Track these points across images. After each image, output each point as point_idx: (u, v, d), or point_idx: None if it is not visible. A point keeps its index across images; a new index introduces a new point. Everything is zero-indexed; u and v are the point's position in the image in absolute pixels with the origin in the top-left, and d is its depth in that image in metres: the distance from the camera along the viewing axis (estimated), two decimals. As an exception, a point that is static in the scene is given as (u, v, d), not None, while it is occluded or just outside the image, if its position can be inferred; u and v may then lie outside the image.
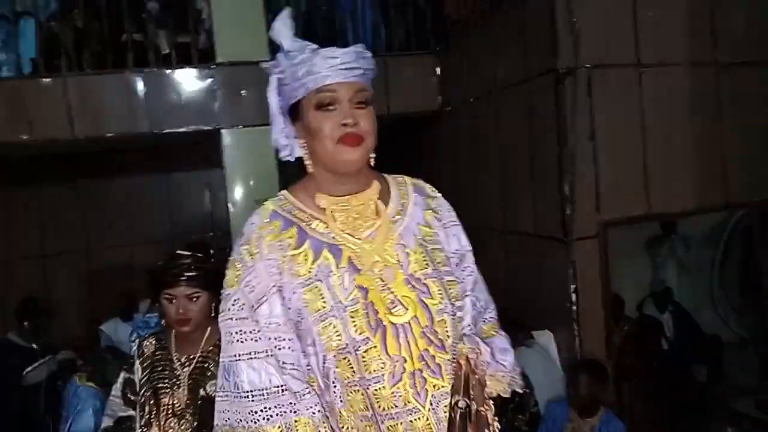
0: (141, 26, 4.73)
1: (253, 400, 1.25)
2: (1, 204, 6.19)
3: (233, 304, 1.29)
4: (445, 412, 1.27)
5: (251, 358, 1.27)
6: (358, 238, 1.32)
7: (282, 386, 1.26)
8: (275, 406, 1.25)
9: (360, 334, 1.24)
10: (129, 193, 6.67)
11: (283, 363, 1.27)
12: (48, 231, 6.38)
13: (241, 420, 1.26)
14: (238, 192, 4.71)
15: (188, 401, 2.08)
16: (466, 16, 4.47)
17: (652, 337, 4.96)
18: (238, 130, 4.66)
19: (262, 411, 1.25)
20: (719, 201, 3.68)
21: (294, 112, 1.32)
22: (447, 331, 1.31)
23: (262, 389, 1.26)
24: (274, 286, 1.28)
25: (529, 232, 3.83)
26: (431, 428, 1.26)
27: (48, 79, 4.37)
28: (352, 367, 1.24)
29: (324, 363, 1.25)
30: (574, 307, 3.46)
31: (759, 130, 3.51)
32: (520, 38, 3.69)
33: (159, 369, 2.16)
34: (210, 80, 4.61)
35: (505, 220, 4.14)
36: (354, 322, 1.25)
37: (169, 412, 2.09)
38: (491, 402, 1.37)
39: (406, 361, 1.26)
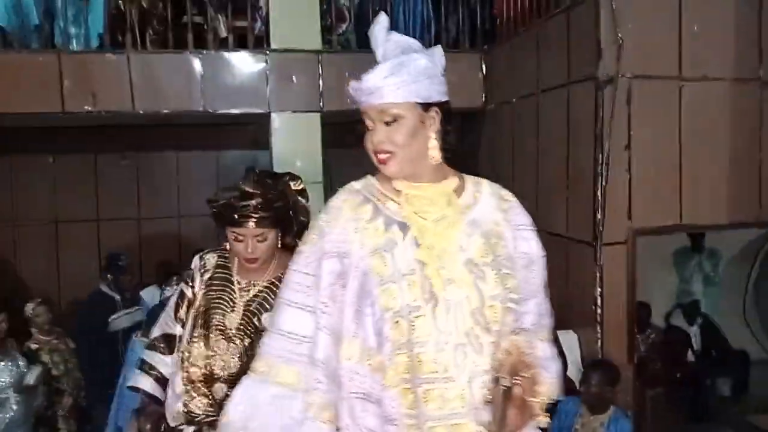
0: (201, 10, 4.96)
1: (285, 340, 1.44)
2: (59, 169, 6.58)
3: (303, 259, 1.47)
4: (480, 387, 1.38)
5: (298, 308, 1.44)
6: (426, 220, 1.45)
7: (310, 339, 1.42)
8: (298, 354, 1.43)
9: (413, 301, 1.37)
10: (179, 167, 6.97)
11: (319, 323, 1.42)
12: (102, 198, 6.73)
13: (271, 352, 1.46)
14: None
15: (240, 326, 2.04)
16: (514, 18, 4.55)
17: (678, 348, 5.00)
18: (287, 115, 4.84)
19: (287, 352, 1.44)
20: (752, 218, 3.70)
21: None
22: (496, 317, 1.41)
23: (296, 335, 1.44)
24: (334, 253, 1.43)
25: (561, 233, 3.91)
26: (464, 399, 1.38)
27: (113, 55, 4.63)
28: (402, 330, 1.37)
29: (379, 323, 1.38)
30: (599, 311, 3.54)
31: (798, 151, 3.51)
32: (564, 44, 3.76)
33: (217, 287, 2.11)
34: (263, 65, 4.80)
35: (538, 220, 4.20)
36: (410, 289, 1.38)
37: (220, 332, 2.05)
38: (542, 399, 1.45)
39: (451, 334, 1.38)
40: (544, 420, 1.45)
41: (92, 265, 6.05)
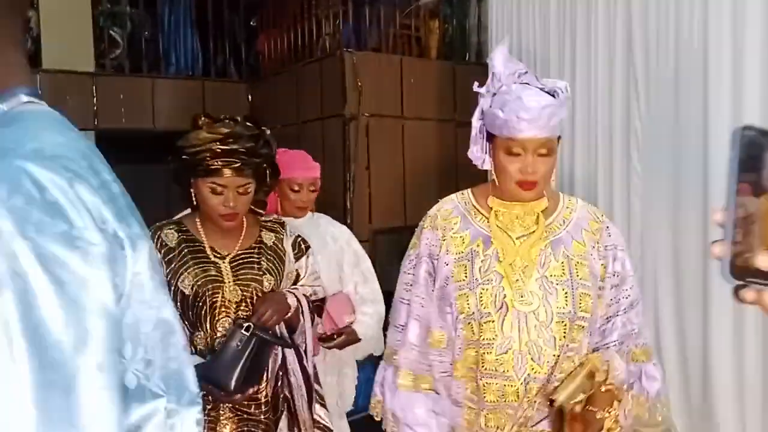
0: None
1: (400, 331, 1.63)
2: None
3: (409, 262, 1.64)
4: (535, 388, 1.49)
5: (408, 304, 1.62)
6: (510, 237, 1.53)
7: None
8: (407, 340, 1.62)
9: (484, 308, 1.49)
10: None
11: (412, 312, 1.61)
12: None
13: (389, 344, 1.66)
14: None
15: (241, 300, 1.76)
16: (276, 57, 5.40)
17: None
18: (62, 134, 5.02)
19: (399, 341, 1.62)
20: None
21: (490, 136, 1.53)
22: (563, 333, 1.47)
23: (403, 326, 1.63)
24: (428, 255, 1.58)
25: (319, 236, 4.83)
26: (518, 397, 1.49)
27: None
28: (473, 331, 1.50)
29: (455, 322, 1.53)
30: (351, 296, 4.51)
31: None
32: (318, 86, 4.64)
33: (194, 265, 1.74)
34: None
35: (300, 226, 5.08)
36: (482, 297, 1.49)
37: (220, 310, 1.74)
38: (622, 416, 1.49)
39: (514, 341, 1.47)
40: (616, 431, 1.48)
41: None
